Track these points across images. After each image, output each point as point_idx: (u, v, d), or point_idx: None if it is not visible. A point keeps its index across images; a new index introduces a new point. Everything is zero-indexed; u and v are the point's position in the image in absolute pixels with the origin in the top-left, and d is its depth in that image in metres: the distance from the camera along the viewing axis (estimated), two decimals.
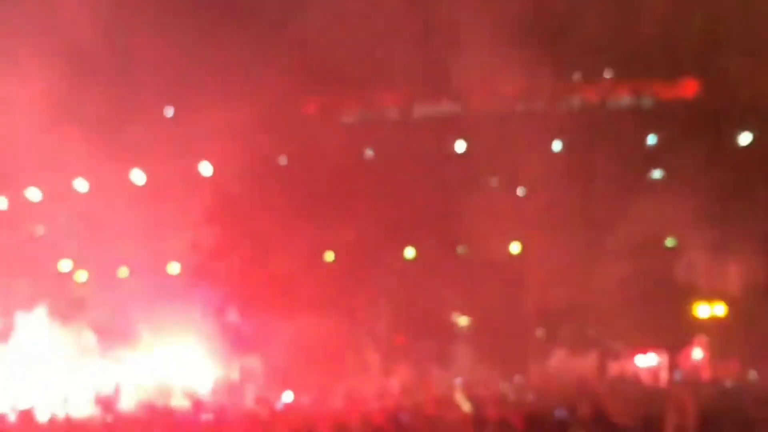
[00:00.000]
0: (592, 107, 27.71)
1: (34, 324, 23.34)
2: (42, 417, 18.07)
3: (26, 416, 18.22)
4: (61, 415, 18.21)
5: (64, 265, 27.45)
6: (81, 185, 26.64)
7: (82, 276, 27.42)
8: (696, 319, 25.44)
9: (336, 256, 27.04)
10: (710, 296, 25.18)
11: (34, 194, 27.75)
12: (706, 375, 23.79)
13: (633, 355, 25.11)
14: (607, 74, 27.62)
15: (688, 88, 26.97)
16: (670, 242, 26.01)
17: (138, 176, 26.91)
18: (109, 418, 18.14)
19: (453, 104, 27.59)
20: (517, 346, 24.80)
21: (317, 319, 23.77)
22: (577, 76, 27.45)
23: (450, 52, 24.28)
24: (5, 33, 22.61)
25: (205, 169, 27.03)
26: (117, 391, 20.80)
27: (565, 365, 24.68)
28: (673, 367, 24.30)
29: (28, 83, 22.81)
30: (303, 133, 26.35)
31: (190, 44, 23.73)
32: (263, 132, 24.79)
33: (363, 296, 25.43)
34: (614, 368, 24.91)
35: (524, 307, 25.31)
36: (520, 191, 27.08)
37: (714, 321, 25.44)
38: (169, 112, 27.43)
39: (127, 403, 20.10)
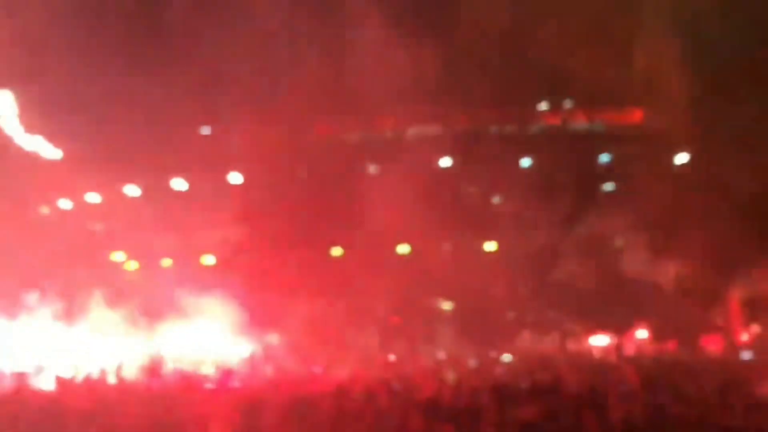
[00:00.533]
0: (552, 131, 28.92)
1: (96, 304, 23.67)
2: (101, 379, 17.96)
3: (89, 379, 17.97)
4: (115, 379, 18.16)
5: (118, 256, 28.41)
6: (133, 190, 27.89)
7: (132, 265, 28.02)
8: (639, 306, 25.63)
9: (342, 252, 28.02)
10: (647, 288, 25.63)
11: (94, 198, 29.09)
12: (647, 352, 24.34)
13: (588, 336, 26.34)
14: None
15: (633, 115, 28.33)
16: (617, 243, 26.80)
17: (179, 184, 28.09)
18: (156, 382, 17.72)
19: (438, 126, 28.80)
20: (492, 328, 25.25)
21: (327, 304, 25.00)
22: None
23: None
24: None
25: (235, 178, 28.01)
26: (159, 360, 20.76)
27: (531, 344, 25.95)
28: (620, 345, 25.14)
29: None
30: (314, 149, 27.41)
31: (224, 75, 24.84)
32: (283, 147, 25.71)
33: (364, 285, 25.68)
34: (572, 347, 26.02)
35: (498, 295, 25.92)
36: (495, 200, 28.53)
37: (654, 308, 25.66)
38: (205, 130, 28.77)
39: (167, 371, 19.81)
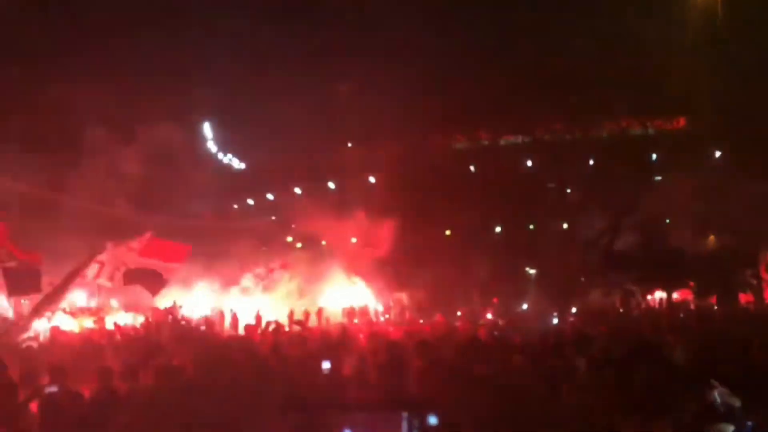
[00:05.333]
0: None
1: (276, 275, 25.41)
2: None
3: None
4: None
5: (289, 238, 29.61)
6: (299, 190, 29.50)
7: (299, 245, 29.14)
8: (686, 269, 25.58)
9: (452, 233, 28.92)
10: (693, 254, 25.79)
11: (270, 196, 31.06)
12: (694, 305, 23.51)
13: (644, 294, 26.34)
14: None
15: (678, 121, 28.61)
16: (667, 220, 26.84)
17: (331, 185, 29.69)
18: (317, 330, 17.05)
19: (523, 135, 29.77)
20: (567, 288, 25.05)
21: (442, 271, 25.45)
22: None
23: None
24: None
25: (373, 179, 29.35)
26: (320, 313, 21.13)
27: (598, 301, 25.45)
28: (669, 299, 25.52)
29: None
30: (430, 155, 28.37)
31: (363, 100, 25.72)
32: (407, 155, 27.34)
33: (469, 256, 27.01)
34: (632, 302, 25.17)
35: (571, 263, 26.30)
36: (568, 191, 29.31)
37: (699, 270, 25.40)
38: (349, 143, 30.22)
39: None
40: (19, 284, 14.72)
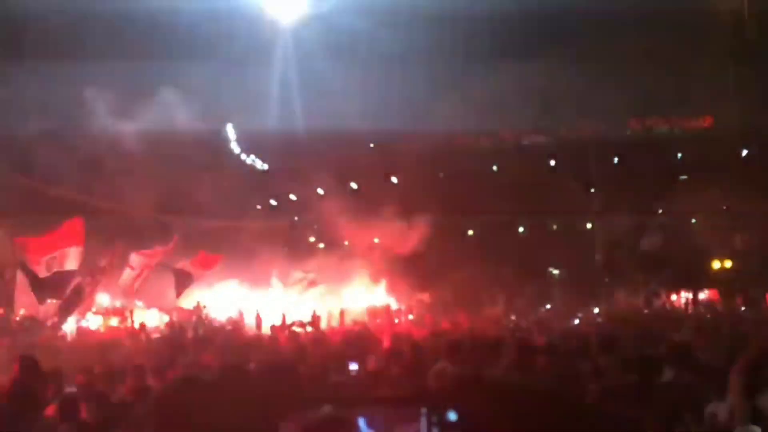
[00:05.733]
0: None
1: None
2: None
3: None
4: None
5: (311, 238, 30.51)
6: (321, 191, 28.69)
7: (321, 245, 29.46)
8: (710, 271, 26.11)
9: (475, 233, 29.28)
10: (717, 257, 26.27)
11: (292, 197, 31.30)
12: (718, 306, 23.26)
13: (669, 294, 26.28)
14: None
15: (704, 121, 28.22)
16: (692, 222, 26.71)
17: (353, 185, 30.02)
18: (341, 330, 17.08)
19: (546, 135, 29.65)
20: (591, 288, 25.57)
21: (465, 269, 25.25)
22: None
23: None
24: None
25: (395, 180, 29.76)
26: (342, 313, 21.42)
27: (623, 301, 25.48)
28: (695, 300, 25.49)
29: None
30: (453, 156, 28.47)
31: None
32: (429, 156, 27.04)
33: (492, 256, 26.67)
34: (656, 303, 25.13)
35: (595, 263, 27.03)
36: (591, 191, 28.84)
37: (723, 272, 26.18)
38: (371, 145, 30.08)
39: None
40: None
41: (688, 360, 8.28)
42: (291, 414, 3.55)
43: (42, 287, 13.43)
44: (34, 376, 6.63)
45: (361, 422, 3.47)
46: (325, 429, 3.40)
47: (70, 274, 13.81)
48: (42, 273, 13.41)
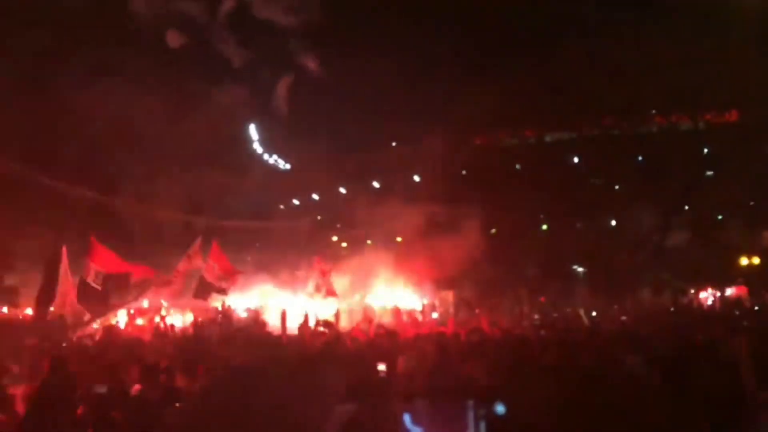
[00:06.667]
0: None
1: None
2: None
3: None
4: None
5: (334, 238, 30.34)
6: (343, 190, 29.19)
7: (343, 244, 29.15)
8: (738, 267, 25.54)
9: (498, 231, 27.89)
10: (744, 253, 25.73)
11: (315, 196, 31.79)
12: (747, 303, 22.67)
13: (695, 292, 25.72)
14: None
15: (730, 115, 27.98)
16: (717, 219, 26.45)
17: (376, 184, 29.36)
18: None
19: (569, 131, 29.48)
20: (615, 287, 25.00)
21: (488, 268, 25.26)
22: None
23: None
24: None
25: (417, 178, 29.08)
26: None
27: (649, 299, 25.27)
28: (722, 298, 25.10)
29: None
30: (475, 155, 28.34)
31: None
32: (451, 155, 27.02)
33: (515, 254, 26.70)
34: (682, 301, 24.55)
35: (620, 261, 26.00)
36: (616, 188, 28.80)
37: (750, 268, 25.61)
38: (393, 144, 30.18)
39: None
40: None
41: (715, 358, 8.35)
42: (334, 408, 3.46)
43: (87, 295, 13.60)
44: (64, 376, 6.65)
45: (407, 418, 3.38)
46: (370, 423, 3.32)
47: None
48: (91, 280, 13.58)
